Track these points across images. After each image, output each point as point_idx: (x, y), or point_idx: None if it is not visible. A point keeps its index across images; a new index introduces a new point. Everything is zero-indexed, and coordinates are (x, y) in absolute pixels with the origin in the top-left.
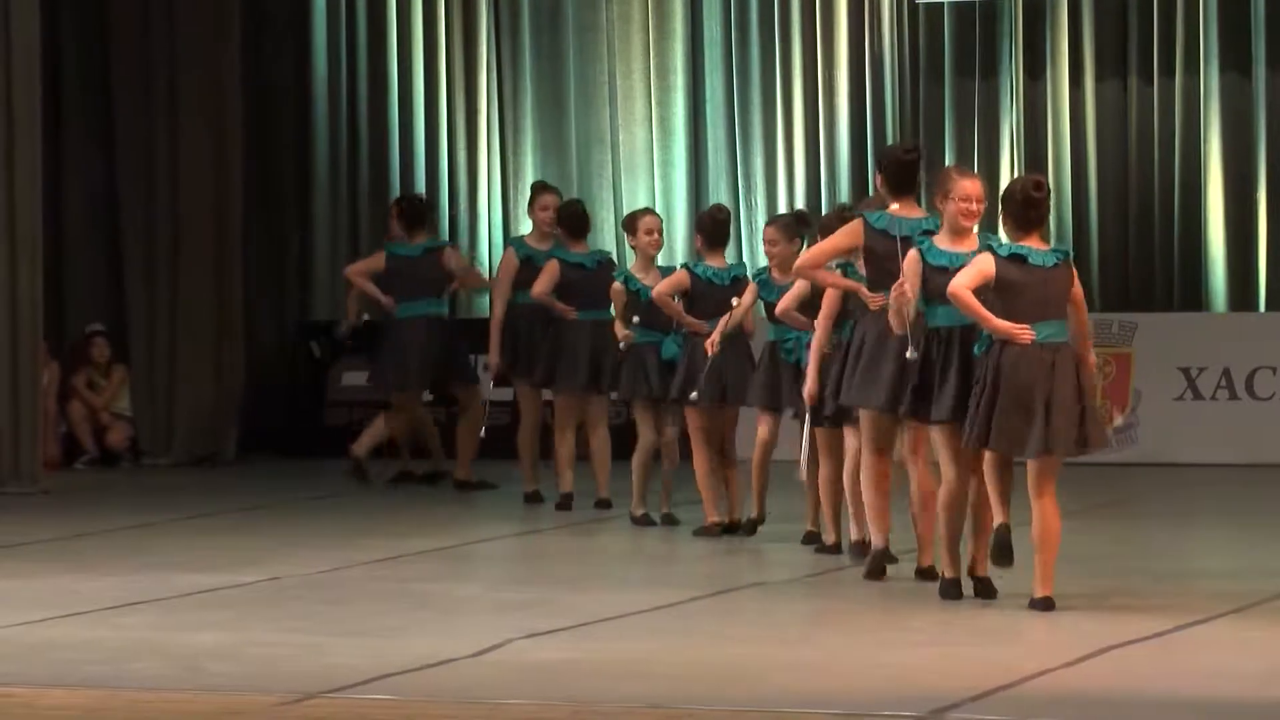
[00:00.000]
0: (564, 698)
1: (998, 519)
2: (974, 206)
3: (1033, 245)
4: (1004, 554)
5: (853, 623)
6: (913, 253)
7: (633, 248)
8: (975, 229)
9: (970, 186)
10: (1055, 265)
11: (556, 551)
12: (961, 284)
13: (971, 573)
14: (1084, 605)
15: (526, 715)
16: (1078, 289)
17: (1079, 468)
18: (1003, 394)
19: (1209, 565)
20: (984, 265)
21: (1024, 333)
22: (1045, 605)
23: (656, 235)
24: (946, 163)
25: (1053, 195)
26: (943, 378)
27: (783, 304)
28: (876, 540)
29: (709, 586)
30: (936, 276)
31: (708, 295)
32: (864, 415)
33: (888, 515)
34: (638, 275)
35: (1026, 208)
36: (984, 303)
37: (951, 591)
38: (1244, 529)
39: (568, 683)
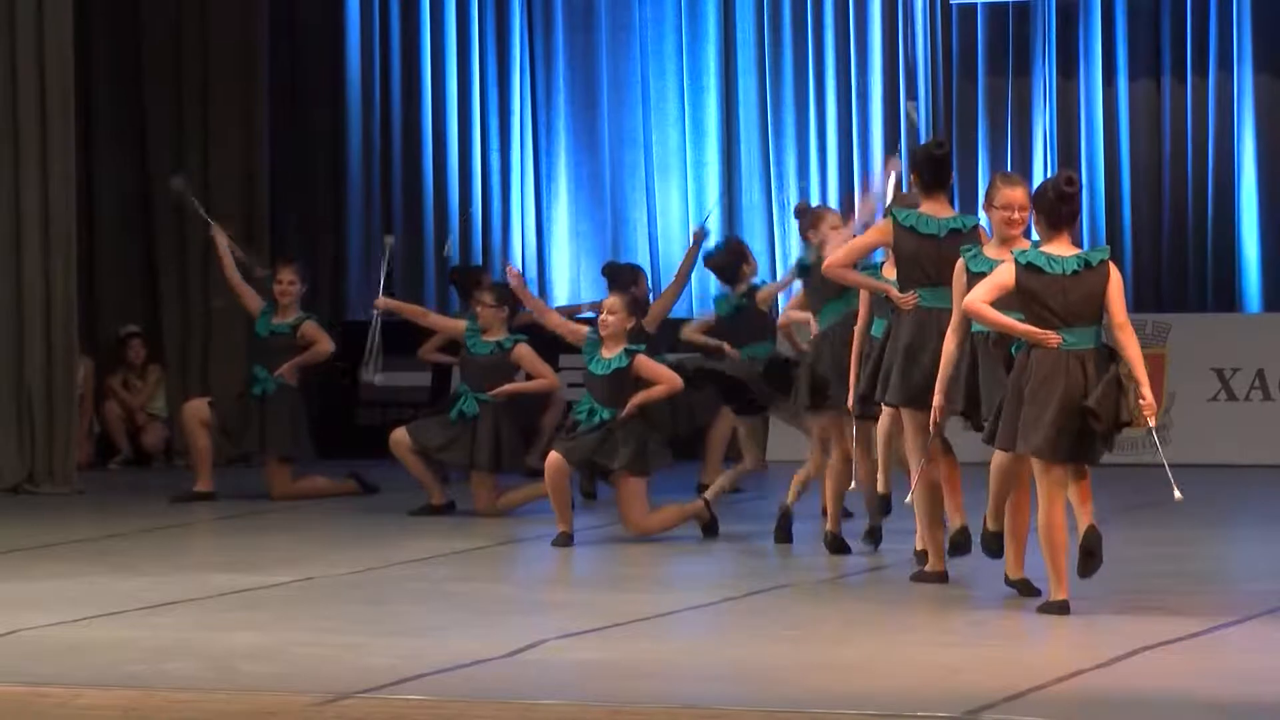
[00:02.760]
0: (599, 698)
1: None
2: (1015, 215)
3: (1058, 249)
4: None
5: (887, 623)
6: (959, 263)
7: None
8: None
9: (1013, 195)
10: (1076, 271)
11: (589, 552)
12: (976, 298)
13: (1008, 578)
14: (1118, 606)
15: (561, 715)
16: (1113, 294)
17: (1111, 469)
18: (1026, 396)
19: (1243, 566)
20: (1002, 277)
21: (1050, 337)
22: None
23: None
24: (979, 163)
25: (1086, 195)
26: (974, 374)
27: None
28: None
29: (743, 587)
30: (975, 283)
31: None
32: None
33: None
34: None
35: (1059, 203)
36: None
37: (994, 547)
38: (1278, 530)
39: (603, 683)
